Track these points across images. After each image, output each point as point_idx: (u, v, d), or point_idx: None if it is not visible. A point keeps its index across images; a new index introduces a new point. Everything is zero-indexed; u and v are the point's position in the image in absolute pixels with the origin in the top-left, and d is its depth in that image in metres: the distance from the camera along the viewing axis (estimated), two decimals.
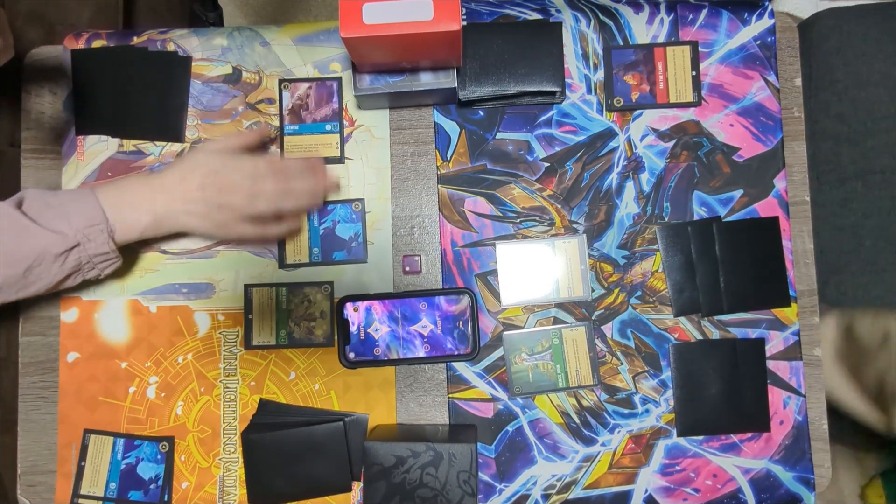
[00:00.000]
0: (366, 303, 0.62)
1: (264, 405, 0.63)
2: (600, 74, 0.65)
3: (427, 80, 0.58)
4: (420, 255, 0.64)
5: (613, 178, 0.64)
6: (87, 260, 0.54)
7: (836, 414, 0.74)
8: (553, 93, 0.63)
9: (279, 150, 0.65)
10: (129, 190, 0.56)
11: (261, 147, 0.64)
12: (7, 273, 0.52)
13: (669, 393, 0.62)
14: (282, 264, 0.64)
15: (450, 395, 0.63)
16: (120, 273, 0.64)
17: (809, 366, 0.63)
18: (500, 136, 0.64)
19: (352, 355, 0.62)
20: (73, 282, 0.56)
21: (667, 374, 0.63)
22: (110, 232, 0.54)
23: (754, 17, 0.64)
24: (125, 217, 0.55)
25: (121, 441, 0.62)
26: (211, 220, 0.57)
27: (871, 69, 0.83)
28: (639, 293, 0.63)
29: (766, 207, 0.64)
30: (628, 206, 0.64)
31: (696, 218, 0.64)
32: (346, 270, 0.64)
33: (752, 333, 0.63)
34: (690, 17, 0.65)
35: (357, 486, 0.62)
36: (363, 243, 0.64)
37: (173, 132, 0.65)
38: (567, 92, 0.64)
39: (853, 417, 0.80)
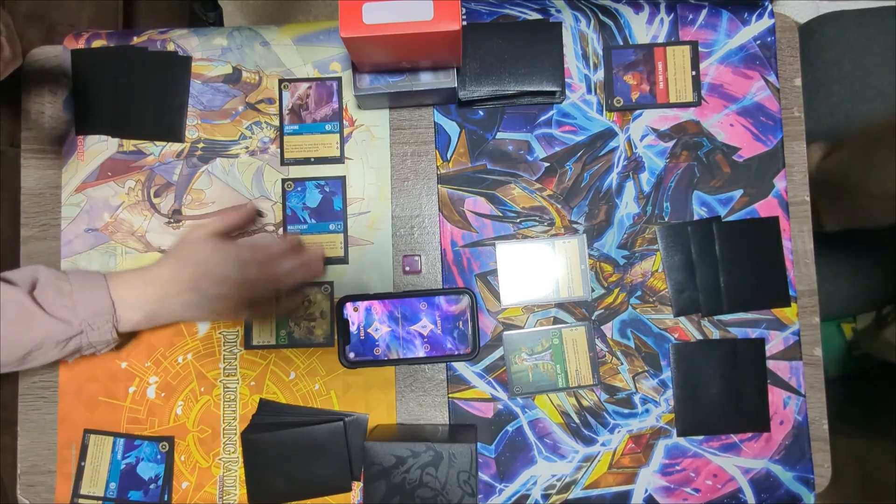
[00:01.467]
0: (366, 303, 0.62)
1: (264, 405, 0.63)
2: (600, 74, 0.65)
3: (427, 80, 0.58)
4: (420, 255, 0.64)
5: (613, 177, 0.64)
6: (88, 345, 0.55)
7: (837, 414, 0.74)
8: (553, 93, 0.63)
9: (279, 150, 0.65)
10: (126, 284, 0.56)
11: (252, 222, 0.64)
12: (6, 358, 0.52)
13: (669, 393, 0.62)
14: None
15: (450, 395, 0.63)
16: None
17: (809, 366, 0.63)
18: (500, 136, 0.64)
19: (352, 355, 0.62)
20: (69, 359, 0.57)
21: (667, 374, 0.63)
22: (115, 322, 0.55)
23: (754, 17, 0.64)
24: (120, 311, 0.55)
25: (121, 441, 0.62)
26: (208, 309, 0.58)
27: (868, 84, 0.83)
28: (639, 293, 0.63)
29: (766, 207, 0.64)
30: (628, 205, 0.64)
31: (696, 218, 0.64)
32: (346, 270, 0.64)
33: (752, 333, 0.63)
34: (690, 17, 0.65)
35: (357, 486, 0.62)
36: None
37: (173, 132, 0.65)
38: (567, 92, 0.64)
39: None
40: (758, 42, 0.64)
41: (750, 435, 0.62)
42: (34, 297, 0.52)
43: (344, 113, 0.65)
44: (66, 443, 0.63)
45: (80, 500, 0.62)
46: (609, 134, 0.64)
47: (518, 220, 0.64)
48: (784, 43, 0.65)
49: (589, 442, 0.62)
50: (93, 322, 0.53)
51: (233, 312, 0.60)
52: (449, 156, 0.64)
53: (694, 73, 0.64)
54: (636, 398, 0.62)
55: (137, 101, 0.65)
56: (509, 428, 0.62)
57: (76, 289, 0.54)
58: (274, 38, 0.66)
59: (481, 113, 0.65)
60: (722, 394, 0.62)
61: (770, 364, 0.63)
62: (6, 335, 0.51)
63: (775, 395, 0.62)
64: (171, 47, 0.66)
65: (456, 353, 0.62)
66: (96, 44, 0.66)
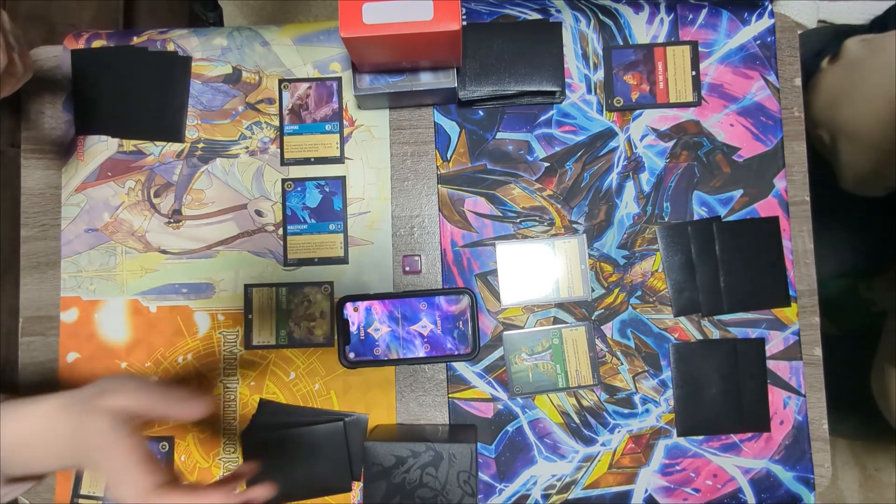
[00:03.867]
0: (366, 303, 0.62)
1: (264, 405, 0.63)
2: (600, 74, 0.65)
3: (427, 80, 0.58)
4: (420, 255, 0.64)
5: (613, 177, 0.64)
6: None
7: (837, 413, 0.73)
8: (553, 93, 0.63)
9: (279, 150, 0.65)
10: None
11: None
12: None
13: (669, 393, 0.62)
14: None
15: (450, 395, 0.63)
16: (120, 273, 0.64)
17: (809, 366, 0.63)
18: (500, 136, 0.64)
19: (352, 355, 0.62)
20: None
21: (667, 374, 0.63)
22: None
23: (754, 17, 0.64)
24: None
25: None
26: (77, 467, 0.48)
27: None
28: (639, 293, 0.63)
29: (766, 207, 0.64)
30: (628, 205, 0.64)
31: (696, 218, 0.64)
32: (346, 270, 0.64)
33: (752, 333, 0.63)
34: (690, 16, 0.65)
35: (357, 486, 0.62)
36: None
37: (173, 132, 0.65)
38: (567, 92, 0.64)
39: None
40: (758, 42, 0.64)
41: (750, 435, 0.62)
42: None
43: (344, 113, 0.65)
44: None
45: (80, 500, 0.62)
46: (609, 134, 0.64)
47: (518, 220, 0.64)
48: (784, 43, 0.65)
49: (589, 442, 0.62)
50: None
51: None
52: (449, 156, 0.64)
53: (694, 73, 0.64)
54: (636, 398, 0.62)
55: (137, 101, 0.65)
56: (509, 428, 0.62)
57: None
58: (274, 38, 0.66)
59: (481, 113, 0.65)
60: (722, 394, 0.62)
61: (770, 364, 0.63)
62: None
63: (775, 395, 0.62)
64: (171, 47, 0.66)
65: (456, 353, 0.62)
66: (96, 44, 0.66)
